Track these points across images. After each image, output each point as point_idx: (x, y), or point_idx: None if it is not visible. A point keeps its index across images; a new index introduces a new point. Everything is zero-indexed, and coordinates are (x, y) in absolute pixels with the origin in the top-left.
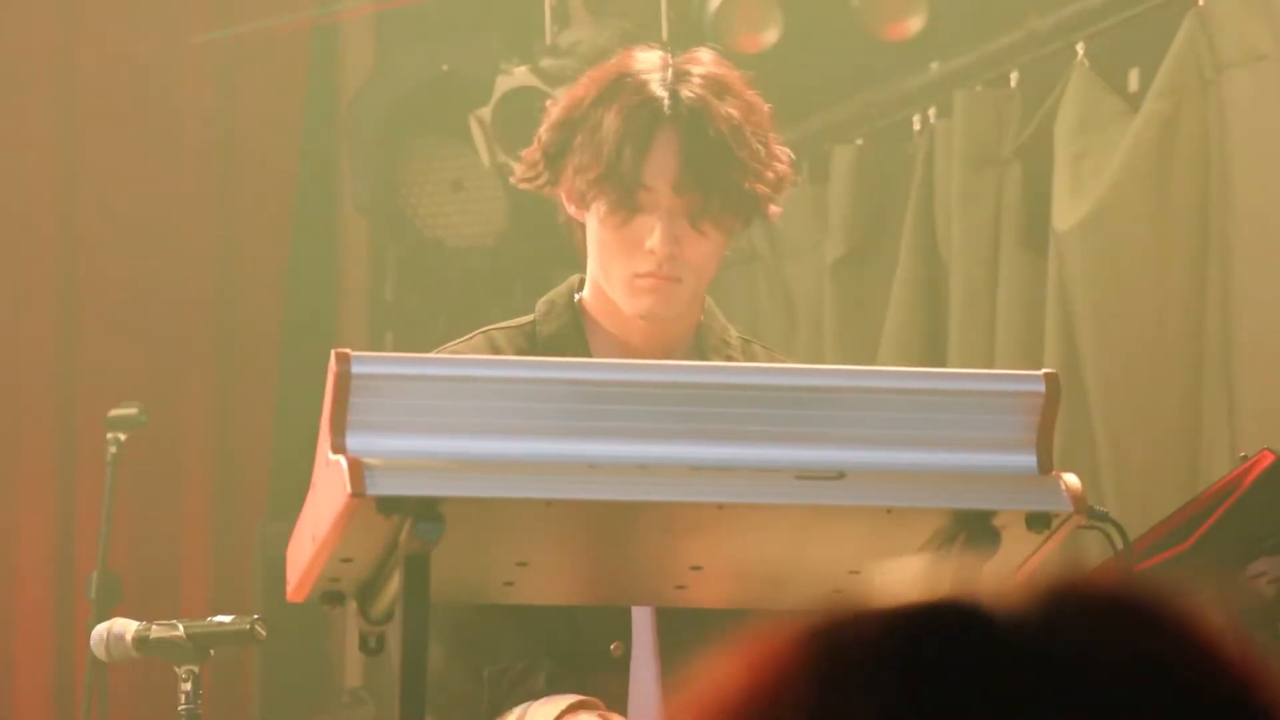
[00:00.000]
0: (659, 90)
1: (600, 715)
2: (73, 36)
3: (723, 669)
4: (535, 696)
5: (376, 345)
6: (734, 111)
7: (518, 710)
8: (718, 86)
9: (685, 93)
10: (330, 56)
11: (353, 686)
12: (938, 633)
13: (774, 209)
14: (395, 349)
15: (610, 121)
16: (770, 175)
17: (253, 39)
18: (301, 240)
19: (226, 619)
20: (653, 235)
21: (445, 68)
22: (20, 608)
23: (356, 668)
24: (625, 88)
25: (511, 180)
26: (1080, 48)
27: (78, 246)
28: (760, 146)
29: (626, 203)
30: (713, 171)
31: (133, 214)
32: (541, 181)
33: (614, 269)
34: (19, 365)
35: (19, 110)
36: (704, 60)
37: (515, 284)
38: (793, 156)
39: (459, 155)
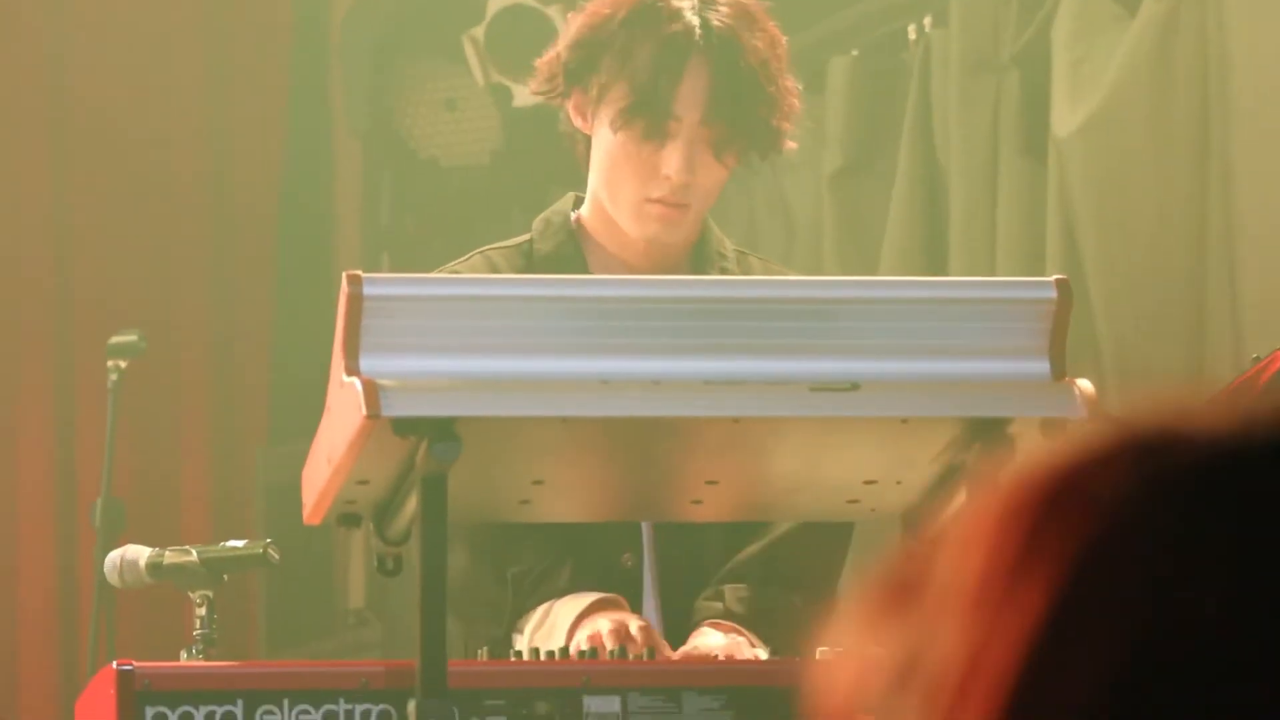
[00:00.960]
0: (691, 18)
1: (622, 614)
2: None
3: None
4: (558, 595)
5: (373, 267)
6: (761, 45)
7: (542, 608)
8: (746, 17)
9: (716, 21)
10: None
11: (356, 608)
12: None
13: (790, 144)
14: (391, 270)
15: (643, 49)
16: (788, 110)
17: None
18: (295, 163)
19: (239, 544)
20: (671, 163)
21: None
22: (23, 537)
23: (359, 589)
24: (657, 14)
25: (528, 88)
26: None
27: (72, 177)
28: (782, 81)
29: (654, 132)
30: (741, 105)
31: (125, 139)
32: (555, 94)
33: (624, 191)
34: (17, 296)
35: (4, 46)
36: None
37: (511, 203)
38: (800, 88)
39: (452, 75)
